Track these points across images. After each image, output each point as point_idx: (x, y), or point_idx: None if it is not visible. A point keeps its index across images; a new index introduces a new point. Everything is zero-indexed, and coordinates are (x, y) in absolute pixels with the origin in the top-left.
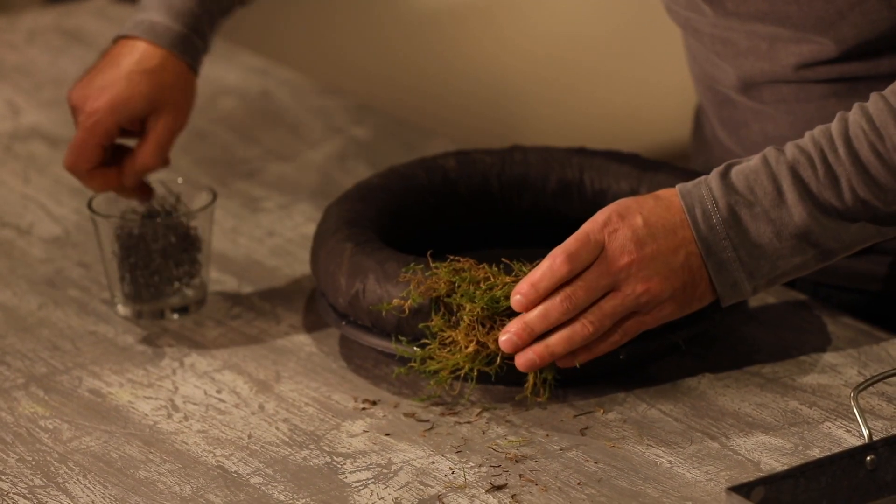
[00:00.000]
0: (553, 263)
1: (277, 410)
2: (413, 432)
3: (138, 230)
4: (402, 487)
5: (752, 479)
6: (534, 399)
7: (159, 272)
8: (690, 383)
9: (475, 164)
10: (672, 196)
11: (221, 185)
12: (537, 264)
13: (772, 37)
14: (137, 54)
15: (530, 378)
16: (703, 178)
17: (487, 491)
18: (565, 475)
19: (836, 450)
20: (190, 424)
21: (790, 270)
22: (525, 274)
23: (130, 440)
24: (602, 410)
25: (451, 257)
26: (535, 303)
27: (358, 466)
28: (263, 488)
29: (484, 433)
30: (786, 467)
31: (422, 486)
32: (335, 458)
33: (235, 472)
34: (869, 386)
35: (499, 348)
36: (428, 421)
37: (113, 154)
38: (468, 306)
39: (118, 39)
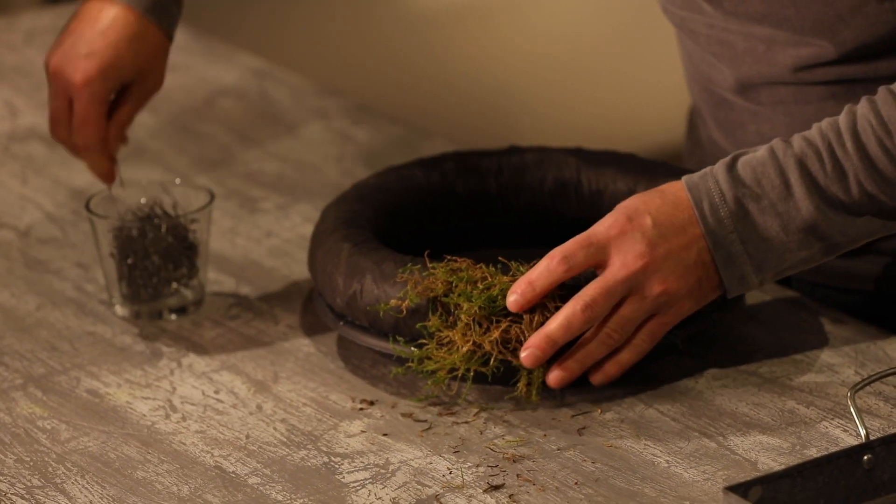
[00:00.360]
0: (550, 263)
1: (275, 411)
2: (411, 432)
3: (136, 231)
4: (399, 487)
5: (749, 478)
6: (527, 399)
7: (157, 273)
8: (688, 383)
9: (473, 164)
10: (678, 190)
11: (219, 186)
12: (535, 264)
13: (769, 39)
14: (117, 19)
15: (524, 378)
16: (709, 169)
17: (485, 491)
18: (563, 475)
19: (834, 449)
20: (188, 425)
21: (796, 263)
22: (522, 274)
23: (128, 440)
24: (600, 410)
25: (449, 257)
26: (531, 302)
27: (356, 466)
28: (261, 488)
29: (481, 433)
30: (783, 467)
31: (419, 486)
32: (333, 458)
33: (233, 472)
34: (866, 385)
35: (494, 348)
36: (425, 421)
37: None
38: (465, 306)
39: (88, 1)
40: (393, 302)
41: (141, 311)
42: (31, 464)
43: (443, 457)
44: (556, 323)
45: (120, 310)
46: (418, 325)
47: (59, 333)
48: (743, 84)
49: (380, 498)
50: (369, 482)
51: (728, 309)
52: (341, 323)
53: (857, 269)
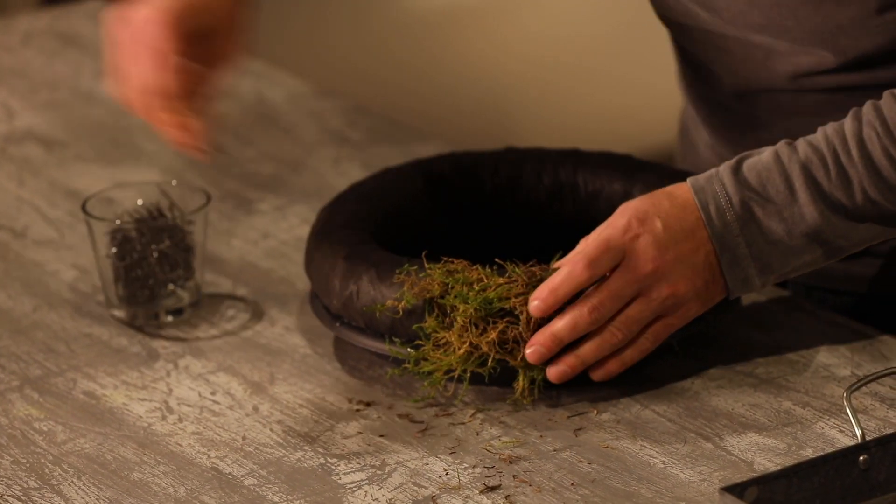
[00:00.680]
0: (573, 270)
1: (272, 412)
2: (407, 433)
3: (133, 233)
4: (396, 488)
5: (745, 479)
6: (522, 401)
7: (154, 274)
8: (684, 384)
9: (469, 165)
10: (685, 193)
11: (216, 188)
12: (531, 265)
13: (768, 48)
14: None
15: (520, 379)
16: (714, 171)
17: (481, 492)
18: (559, 476)
19: (830, 450)
20: (184, 426)
21: (799, 266)
22: (518, 275)
23: (125, 442)
24: (596, 411)
25: (445, 258)
26: (553, 308)
27: (352, 468)
28: (258, 490)
29: (478, 434)
30: (779, 467)
31: (416, 488)
32: (329, 459)
33: (230, 473)
34: (862, 386)
35: (491, 349)
36: (422, 422)
37: None
38: (462, 307)
39: None
40: (389, 303)
41: (137, 312)
42: (28, 465)
43: (439, 458)
44: (563, 322)
45: (116, 312)
46: (415, 327)
47: (56, 335)
48: (740, 91)
49: (376, 499)
50: (366, 483)
51: (724, 310)
52: (338, 324)
53: (853, 271)
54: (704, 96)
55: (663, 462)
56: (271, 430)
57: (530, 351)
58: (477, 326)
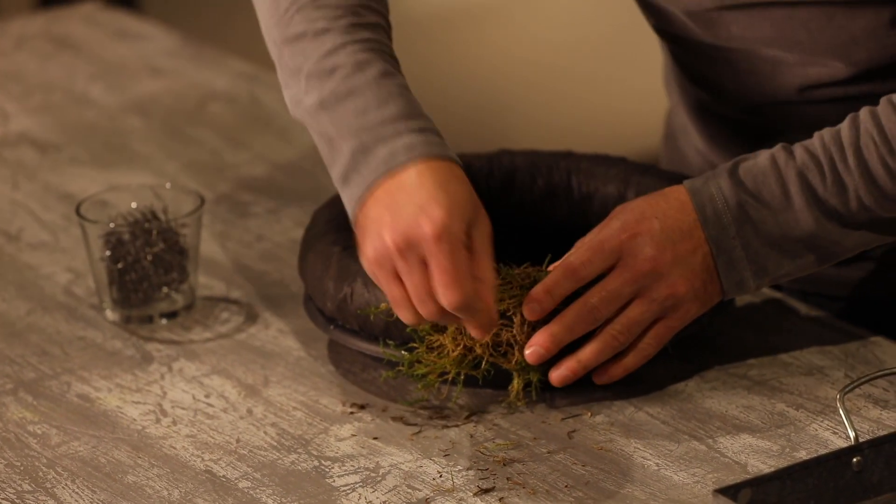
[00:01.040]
0: (568, 271)
1: (265, 415)
2: (401, 436)
3: (127, 235)
4: (390, 491)
5: (739, 480)
6: (516, 403)
7: (148, 277)
8: (678, 386)
9: (463, 167)
10: (681, 195)
11: (210, 190)
12: (525, 267)
13: (776, 60)
14: (422, 172)
15: (515, 381)
16: (711, 174)
17: (475, 494)
18: (553, 478)
19: (823, 451)
20: (178, 429)
21: (793, 271)
22: (512, 277)
23: (119, 445)
24: (589, 413)
25: None
26: (549, 310)
27: (346, 470)
28: (252, 493)
29: (472, 437)
30: (773, 469)
31: (410, 490)
32: (323, 462)
33: (224, 476)
34: (855, 388)
35: (485, 351)
36: (416, 424)
37: None
38: None
39: (375, 183)
40: (383, 305)
41: (131, 315)
42: (22, 468)
43: (433, 460)
44: (562, 323)
45: (111, 314)
46: (408, 329)
47: (50, 338)
48: (744, 102)
49: (370, 501)
50: (360, 486)
51: (718, 312)
52: (332, 327)
53: (846, 276)
54: (700, 107)
55: (657, 464)
56: (265, 432)
57: (529, 351)
58: None
